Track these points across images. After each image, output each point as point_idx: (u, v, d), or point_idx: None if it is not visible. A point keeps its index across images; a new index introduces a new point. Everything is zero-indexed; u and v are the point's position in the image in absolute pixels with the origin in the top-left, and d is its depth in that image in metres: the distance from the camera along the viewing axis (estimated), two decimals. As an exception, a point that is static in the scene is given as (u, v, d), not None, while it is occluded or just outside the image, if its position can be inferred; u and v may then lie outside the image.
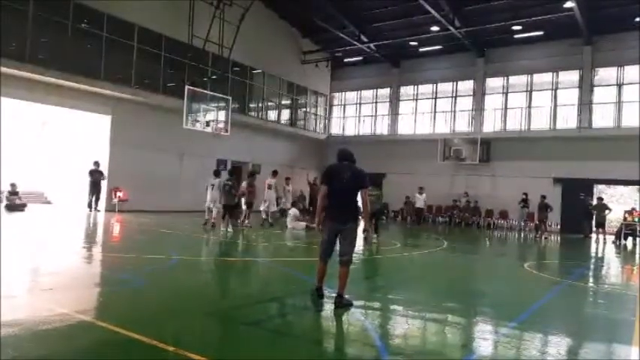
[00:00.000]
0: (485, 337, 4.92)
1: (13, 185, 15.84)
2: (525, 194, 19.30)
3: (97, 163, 16.93)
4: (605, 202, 18.40)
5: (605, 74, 20.78)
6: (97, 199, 16.86)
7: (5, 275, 6.41)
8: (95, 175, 16.77)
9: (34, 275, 6.86)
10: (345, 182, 5.36)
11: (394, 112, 26.40)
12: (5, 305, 4.89)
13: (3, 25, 14.11)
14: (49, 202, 18.95)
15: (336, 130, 28.62)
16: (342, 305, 5.33)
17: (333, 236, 5.44)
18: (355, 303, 5.60)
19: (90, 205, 16.68)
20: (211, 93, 18.85)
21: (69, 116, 17.76)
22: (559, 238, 19.04)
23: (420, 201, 20.10)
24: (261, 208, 15.95)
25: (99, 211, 16.88)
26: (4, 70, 14.14)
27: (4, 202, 15.48)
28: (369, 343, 4.41)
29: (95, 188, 16.71)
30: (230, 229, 12.80)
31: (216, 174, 14.19)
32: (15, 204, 15.46)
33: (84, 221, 14.65)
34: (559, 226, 20.70)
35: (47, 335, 4.06)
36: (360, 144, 26.76)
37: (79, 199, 17.20)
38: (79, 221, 14.54)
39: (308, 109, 27.36)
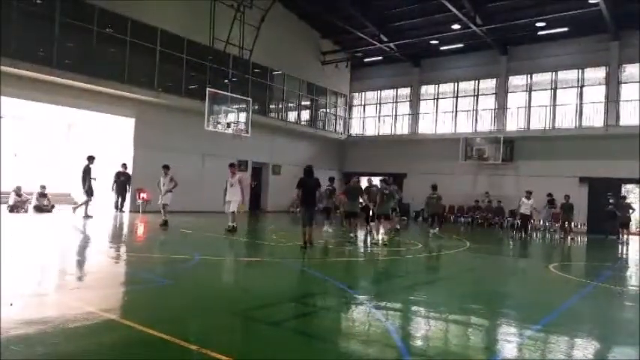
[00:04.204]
0: (508, 339, 4.83)
1: (42, 187, 16.28)
2: (550, 194, 18.86)
3: (124, 166, 17.26)
4: (629, 201, 17.82)
5: (634, 70, 20.16)
6: (123, 200, 17.18)
7: (35, 274, 6.62)
8: (122, 177, 17.09)
9: (62, 274, 7.05)
10: (310, 187, 10.30)
11: (415, 112, 26.19)
12: (35, 303, 5.07)
13: (31, 31, 14.63)
14: (75, 203, 19.36)
15: (356, 130, 28.56)
16: (311, 246, 10.10)
17: (306, 213, 10.25)
18: (377, 303, 5.83)
19: (116, 206, 17.02)
20: (232, 95, 19.03)
21: (94, 119, 18.18)
22: (585, 238, 18.58)
23: (526, 206, 17.31)
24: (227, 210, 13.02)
25: (124, 212, 17.21)
26: (33, 75, 14.61)
27: (33, 204, 15.92)
28: (391, 344, 4.39)
29: (122, 190, 17.03)
30: (330, 229, 14.04)
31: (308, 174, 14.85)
32: (43, 205, 15.89)
33: (109, 222, 14.97)
34: (585, 227, 20.20)
35: (74, 333, 4.17)
36: (380, 144, 26.73)
37: (104, 200, 17.56)
38: (104, 222, 14.85)
39: (328, 110, 27.36)
